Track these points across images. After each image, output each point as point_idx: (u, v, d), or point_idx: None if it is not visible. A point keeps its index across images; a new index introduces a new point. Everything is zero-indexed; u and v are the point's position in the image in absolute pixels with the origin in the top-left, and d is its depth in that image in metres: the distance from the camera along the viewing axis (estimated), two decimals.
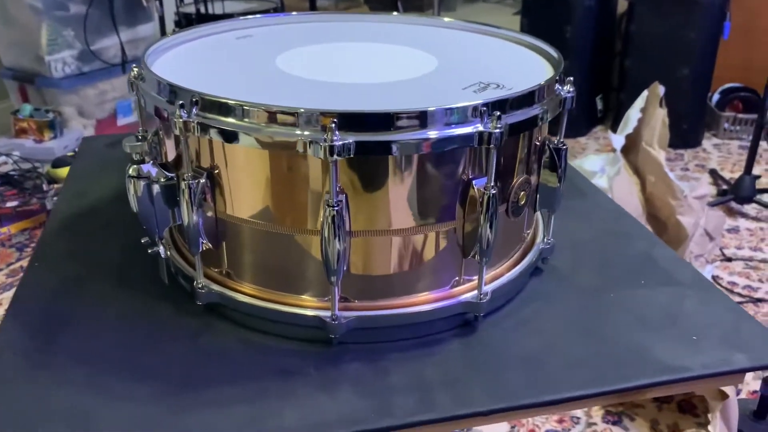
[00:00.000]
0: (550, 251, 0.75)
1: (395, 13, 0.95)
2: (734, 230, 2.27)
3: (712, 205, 2.25)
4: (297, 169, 0.59)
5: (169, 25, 2.94)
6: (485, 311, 0.66)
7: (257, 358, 0.62)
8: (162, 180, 0.63)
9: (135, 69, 0.69)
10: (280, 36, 0.85)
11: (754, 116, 2.92)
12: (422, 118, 0.56)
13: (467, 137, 0.57)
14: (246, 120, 0.57)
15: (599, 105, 3.16)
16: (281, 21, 0.91)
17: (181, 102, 0.58)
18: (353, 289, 0.63)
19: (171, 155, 0.67)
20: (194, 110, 0.58)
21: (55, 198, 2.21)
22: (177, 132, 0.58)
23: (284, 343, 0.64)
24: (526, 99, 0.61)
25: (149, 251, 0.68)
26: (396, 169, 0.59)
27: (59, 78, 2.57)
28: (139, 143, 0.63)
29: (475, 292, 0.66)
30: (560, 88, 0.67)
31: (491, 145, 0.58)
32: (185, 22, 2.93)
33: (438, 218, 0.62)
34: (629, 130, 1.80)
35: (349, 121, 0.55)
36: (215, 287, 0.66)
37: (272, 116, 0.56)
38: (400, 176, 0.60)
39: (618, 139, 1.79)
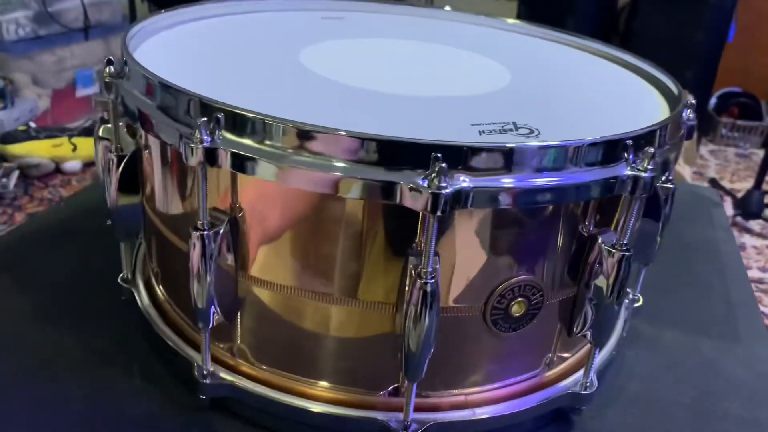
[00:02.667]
0: (639, 311, 0.60)
1: (447, 7, 0.77)
2: (741, 248, 2.15)
3: None
4: (365, 223, 0.41)
5: None
6: (590, 402, 0.50)
7: None
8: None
9: (111, 63, 0.48)
10: (312, 25, 0.67)
11: (755, 123, 2.83)
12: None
13: (613, 185, 0.41)
14: (307, 153, 0.38)
15: None
16: (308, 7, 0.72)
17: (204, 119, 0.38)
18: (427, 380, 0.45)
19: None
20: (218, 132, 0.39)
21: (4, 180, 1.95)
22: (194, 164, 0.39)
23: None
24: (667, 133, 0.45)
25: (119, 280, 0.54)
26: (488, 223, 0.42)
27: (11, 41, 2.29)
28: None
29: (574, 377, 0.50)
30: (688, 116, 0.51)
31: (639, 193, 0.41)
32: None
33: (556, 285, 0.46)
34: None
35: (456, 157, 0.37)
36: (225, 375, 0.48)
37: (357, 148, 0.37)
38: (496, 233, 0.42)
39: None
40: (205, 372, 0.46)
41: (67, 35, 2.42)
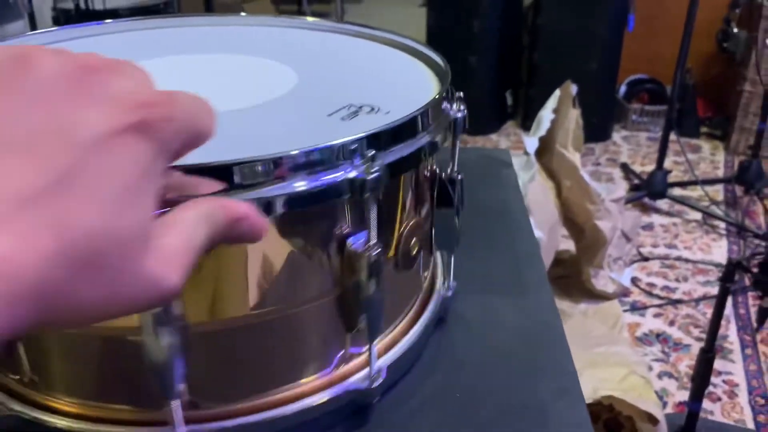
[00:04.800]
0: (453, 299, 0.61)
1: (243, 13, 0.77)
2: (649, 227, 2.23)
3: (626, 202, 2.20)
4: None
5: (46, 23, 2.67)
6: (378, 395, 0.51)
7: None
8: None
9: None
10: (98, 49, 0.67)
11: (661, 107, 2.93)
12: (265, 170, 0.40)
13: (335, 189, 0.42)
14: None
15: (509, 100, 3.10)
16: (96, 31, 0.70)
17: None
18: (203, 391, 0.47)
19: None
20: None
21: None
22: None
23: None
24: (408, 129, 0.46)
25: None
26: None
27: None
28: None
29: (366, 371, 0.51)
30: (449, 107, 0.52)
31: (367, 195, 0.42)
32: (64, 19, 2.68)
33: (307, 292, 0.47)
34: (542, 132, 1.71)
35: None
36: (17, 406, 0.48)
37: None
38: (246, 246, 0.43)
39: (531, 142, 1.70)
40: None
41: None
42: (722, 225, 2.22)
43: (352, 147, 0.43)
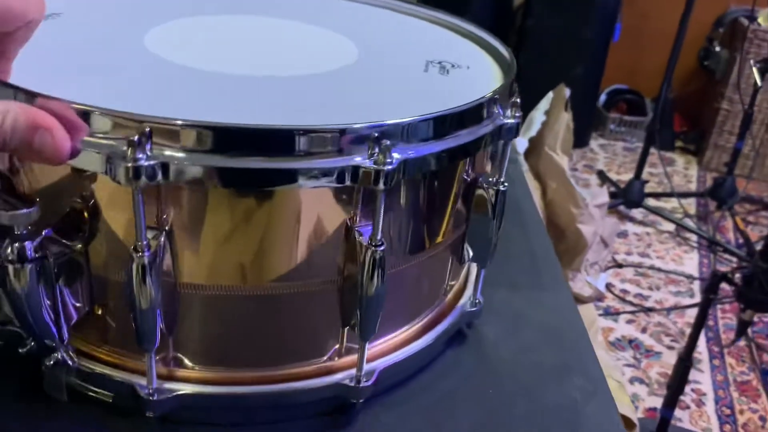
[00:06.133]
0: (478, 314, 0.58)
1: None
2: (623, 235, 2.27)
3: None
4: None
5: None
6: (365, 397, 0.49)
7: None
8: (63, 255, 0.42)
9: None
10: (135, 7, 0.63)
11: (639, 118, 2.98)
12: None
13: (337, 173, 0.41)
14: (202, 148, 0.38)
15: None
16: None
17: (135, 137, 0.36)
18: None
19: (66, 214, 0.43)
20: (148, 146, 0.37)
21: None
22: (124, 182, 0.37)
23: None
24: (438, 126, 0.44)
25: (45, 365, 0.45)
26: (261, 206, 0.42)
27: None
28: (27, 211, 0.38)
29: (354, 370, 0.50)
30: (501, 111, 0.49)
31: (379, 186, 0.41)
32: None
33: (310, 273, 0.46)
34: (532, 133, 1.72)
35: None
36: (171, 385, 0.45)
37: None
38: (265, 215, 0.43)
39: (521, 142, 1.71)
40: (150, 390, 0.45)
41: None
42: (694, 238, 2.27)
43: (374, 134, 0.41)
